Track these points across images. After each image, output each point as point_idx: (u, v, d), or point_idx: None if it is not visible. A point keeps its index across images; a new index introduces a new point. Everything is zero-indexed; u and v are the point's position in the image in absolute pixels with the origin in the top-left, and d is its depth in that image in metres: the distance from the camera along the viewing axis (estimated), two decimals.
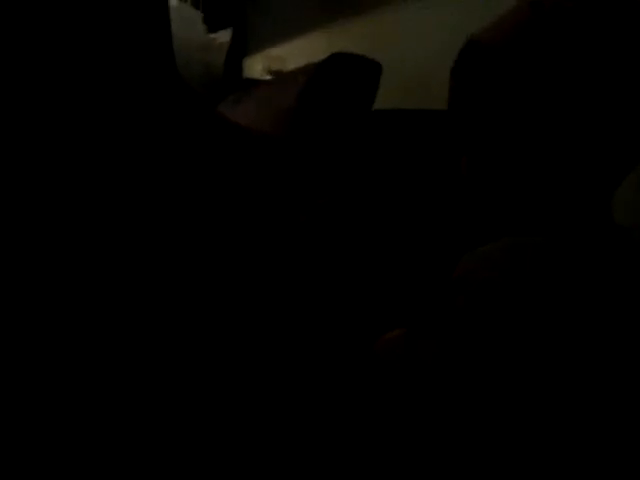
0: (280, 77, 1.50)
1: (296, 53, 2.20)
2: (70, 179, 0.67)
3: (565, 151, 0.56)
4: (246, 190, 0.83)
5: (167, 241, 0.71)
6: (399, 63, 1.68)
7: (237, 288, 0.73)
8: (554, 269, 0.53)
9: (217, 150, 0.84)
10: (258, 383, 0.71)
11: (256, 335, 0.72)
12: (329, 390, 0.71)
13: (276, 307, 0.75)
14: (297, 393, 0.72)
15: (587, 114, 0.55)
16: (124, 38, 0.73)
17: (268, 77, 2.09)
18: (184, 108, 0.81)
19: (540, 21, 0.57)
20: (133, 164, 0.72)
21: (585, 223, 0.58)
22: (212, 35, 1.61)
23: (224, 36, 1.66)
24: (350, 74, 1.34)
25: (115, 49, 0.72)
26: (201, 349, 0.70)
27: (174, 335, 0.68)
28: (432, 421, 0.56)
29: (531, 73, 0.56)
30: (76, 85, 0.69)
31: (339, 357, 0.74)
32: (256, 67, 2.35)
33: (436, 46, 1.62)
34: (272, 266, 0.77)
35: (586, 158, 0.56)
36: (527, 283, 0.52)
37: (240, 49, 2.21)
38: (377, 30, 1.87)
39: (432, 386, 0.55)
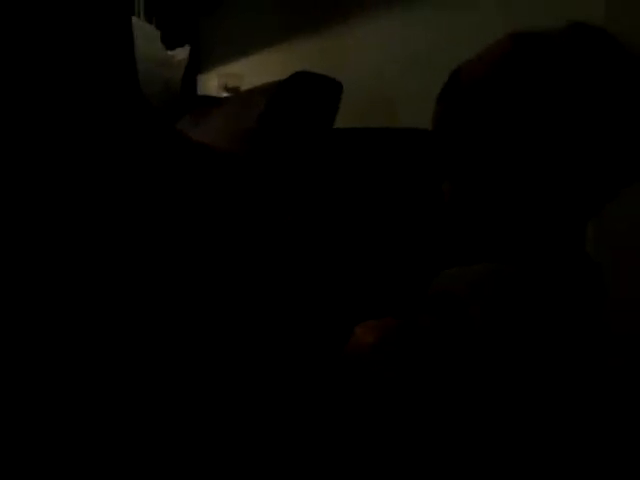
0: (240, 96, 1.50)
1: (253, 70, 2.21)
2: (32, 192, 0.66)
3: (543, 181, 0.58)
4: (211, 207, 0.81)
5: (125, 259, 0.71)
6: (358, 81, 1.70)
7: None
8: (524, 297, 0.56)
9: (179, 167, 0.82)
10: (248, 384, 0.71)
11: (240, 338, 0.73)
12: (319, 390, 0.71)
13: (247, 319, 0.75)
14: (287, 394, 0.72)
15: (565, 146, 0.57)
16: (87, 53, 0.72)
17: (225, 94, 2.09)
18: (147, 125, 0.79)
19: (521, 54, 0.59)
20: (96, 180, 0.71)
21: (557, 251, 0.61)
22: (170, 52, 1.61)
23: (182, 53, 1.66)
24: (311, 93, 1.36)
25: (78, 63, 0.71)
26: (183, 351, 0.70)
27: (156, 339, 0.68)
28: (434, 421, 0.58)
29: (511, 104, 0.58)
30: (40, 101, 0.68)
31: (320, 358, 0.74)
32: (211, 84, 2.34)
33: (396, 64, 1.66)
34: (241, 280, 0.77)
35: (563, 189, 0.58)
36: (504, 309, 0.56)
37: (193, 66, 2.20)
38: (336, 47, 1.90)
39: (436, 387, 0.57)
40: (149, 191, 0.77)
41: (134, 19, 1.52)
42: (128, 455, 0.64)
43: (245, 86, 2.20)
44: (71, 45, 0.71)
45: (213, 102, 1.59)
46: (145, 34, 1.40)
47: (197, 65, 2.34)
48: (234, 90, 2.16)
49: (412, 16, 1.65)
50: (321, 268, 1.03)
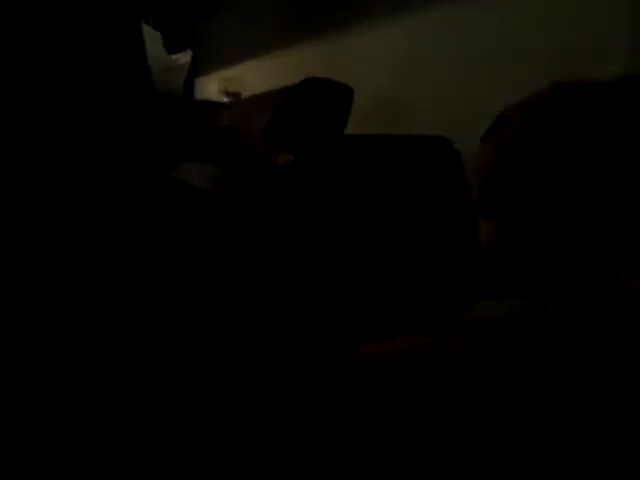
0: (247, 102, 1.46)
1: (253, 74, 2.17)
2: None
3: (585, 229, 0.60)
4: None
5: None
6: (358, 86, 1.67)
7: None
8: (557, 338, 0.59)
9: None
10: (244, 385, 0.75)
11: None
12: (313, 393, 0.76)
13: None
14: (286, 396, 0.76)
15: (607, 196, 0.59)
16: (103, 58, 0.75)
17: (226, 99, 2.04)
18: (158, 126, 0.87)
19: (565, 104, 0.61)
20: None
21: (591, 297, 0.62)
22: (173, 56, 1.57)
23: (184, 57, 1.61)
24: (320, 99, 1.32)
25: (95, 68, 0.75)
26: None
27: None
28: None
29: (560, 154, 0.60)
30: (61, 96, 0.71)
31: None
32: (210, 88, 2.30)
33: (394, 72, 1.63)
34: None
35: (604, 237, 0.60)
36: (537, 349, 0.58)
37: (193, 70, 2.16)
38: (339, 52, 1.86)
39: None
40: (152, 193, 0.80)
41: None
42: (128, 454, 0.65)
43: (246, 90, 2.17)
44: (86, 46, 0.73)
45: (215, 107, 1.54)
46: (147, 37, 1.35)
47: (195, 69, 2.29)
48: (235, 94, 2.11)
49: (416, 25, 1.62)
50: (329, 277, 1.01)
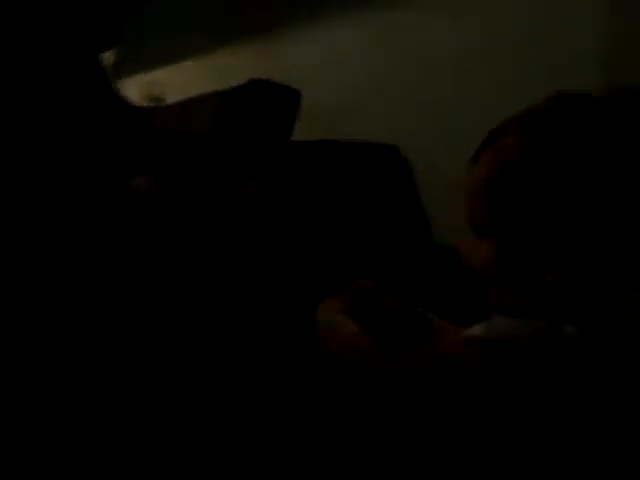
0: (183, 104, 1.36)
1: (178, 79, 2.05)
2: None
3: (588, 247, 0.59)
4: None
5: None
6: None
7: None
8: (579, 361, 0.58)
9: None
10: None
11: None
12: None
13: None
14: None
15: (611, 214, 0.58)
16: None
17: (147, 104, 1.91)
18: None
19: (568, 116, 0.60)
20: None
21: (601, 323, 0.62)
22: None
23: (108, 58, 1.48)
24: (266, 102, 1.24)
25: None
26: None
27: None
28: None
29: (559, 169, 0.59)
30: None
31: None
32: (130, 93, 2.15)
33: (338, 77, 1.58)
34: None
35: (608, 255, 0.59)
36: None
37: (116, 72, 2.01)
38: (272, 58, 1.79)
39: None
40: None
41: None
42: (128, 454, 0.65)
43: (169, 95, 2.04)
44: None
45: (145, 110, 1.43)
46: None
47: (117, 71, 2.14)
48: (158, 99, 1.99)
49: (345, 34, 1.58)
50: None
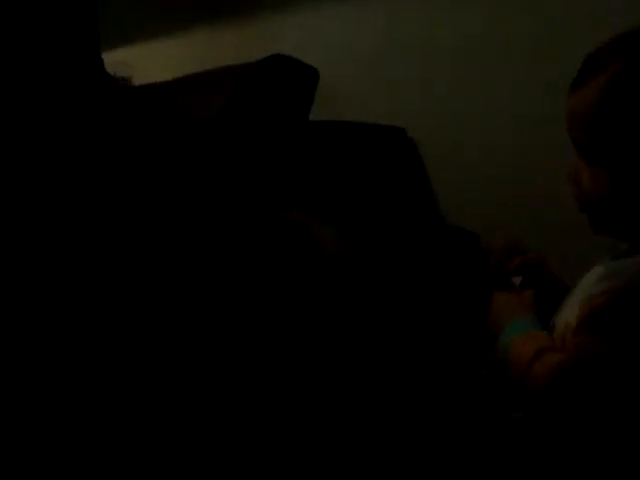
0: (195, 80, 1.28)
1: (147, 60, 1.94)
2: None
3: None
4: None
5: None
6: None
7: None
8: None
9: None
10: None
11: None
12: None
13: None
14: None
15: None
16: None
17: None
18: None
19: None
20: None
21: None
22: None
23: None
24: (287, 78, 1.20)
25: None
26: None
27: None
28: None
29: None
30: None
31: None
32: None
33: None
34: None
35: None
36: None
37: None
38: (256, 40, 1.73)
39: None
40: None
41: None
42: (128, 454, 0.66)
43: (137, 77, 1.93)
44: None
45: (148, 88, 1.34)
46: None
47: None
48: (125, 81, 1.87)
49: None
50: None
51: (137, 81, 1.91)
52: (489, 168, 1.33)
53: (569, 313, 0.66)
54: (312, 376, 0.83)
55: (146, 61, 1.94)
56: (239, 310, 0.79)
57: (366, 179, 1.38)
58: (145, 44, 2.00)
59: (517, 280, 0.76)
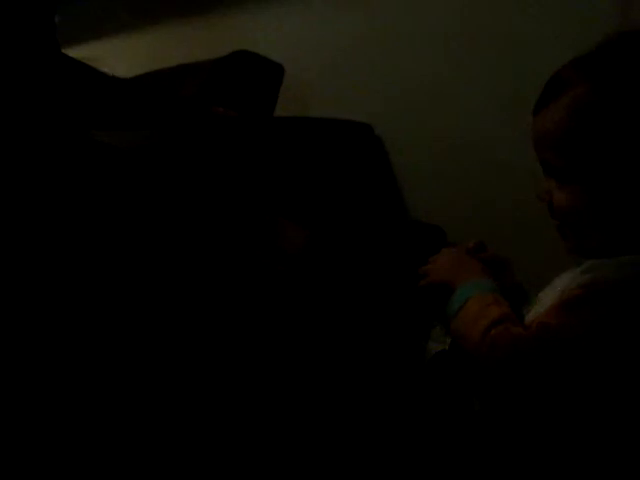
0: (157, 77, 1.28)
1: (114, 56, 1.92)
2: None
3: None
4: None
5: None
6: None
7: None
8: None
9: None
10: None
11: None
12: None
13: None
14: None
15: None
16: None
17: None
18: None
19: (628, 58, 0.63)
20: None
21: None
22: None
23: None
24: (251, 74, 1.20)
25: None
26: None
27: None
28: None
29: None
30: None
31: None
32: None
33: (306, 53, 1.56)
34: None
35: None
36: None
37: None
38: (219, 35, 1.72)
39: None
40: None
41: None
42: (128, 454, 0.66)
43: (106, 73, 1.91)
44: None
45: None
46: None
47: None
48: None
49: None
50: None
51: None
52: (456, 165, 1.35)
53: (539, 309, 0.65)
54: (277, 367, 0.84)
55: (114, 57, 1.91)
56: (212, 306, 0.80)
57: (332, 175, 1.38)
58: (114, 39, 1.98)
59: None
